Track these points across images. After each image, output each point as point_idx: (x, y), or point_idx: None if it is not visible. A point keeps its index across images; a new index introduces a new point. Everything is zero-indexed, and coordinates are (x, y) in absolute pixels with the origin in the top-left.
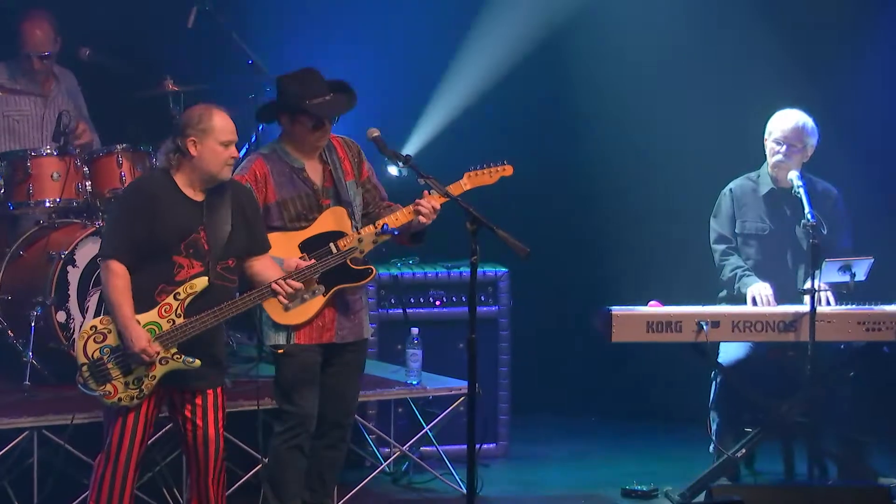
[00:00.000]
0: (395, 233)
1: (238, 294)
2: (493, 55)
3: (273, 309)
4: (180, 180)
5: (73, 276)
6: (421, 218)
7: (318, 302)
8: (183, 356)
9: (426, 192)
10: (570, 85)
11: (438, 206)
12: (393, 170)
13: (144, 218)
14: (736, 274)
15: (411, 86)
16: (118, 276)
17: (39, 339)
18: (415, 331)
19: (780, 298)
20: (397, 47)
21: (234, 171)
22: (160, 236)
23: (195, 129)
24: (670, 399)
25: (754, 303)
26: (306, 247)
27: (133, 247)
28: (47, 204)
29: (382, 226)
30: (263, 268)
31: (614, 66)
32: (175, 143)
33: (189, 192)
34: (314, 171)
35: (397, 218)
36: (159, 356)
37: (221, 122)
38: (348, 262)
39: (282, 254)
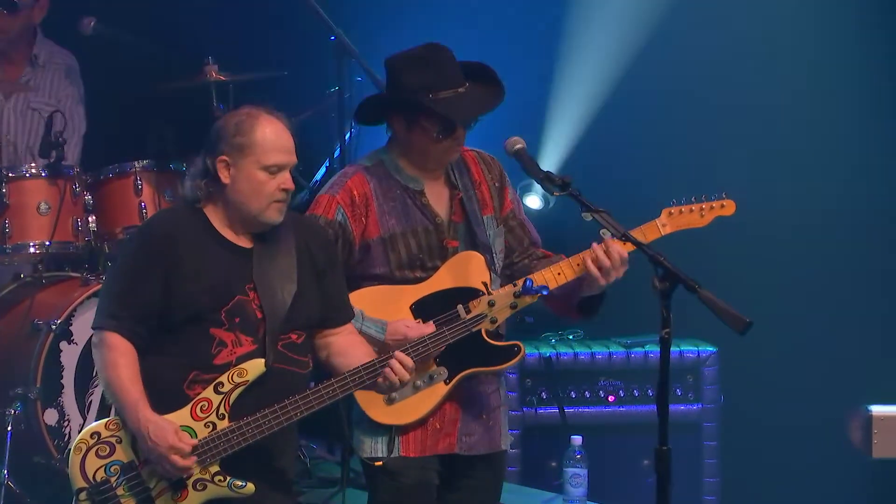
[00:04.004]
0: (545, 292)
1: (311, 384)
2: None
3: (369, 401)
4: (215, 218)
5: (69, 356)
6: (597, 274)
7: (436, 392)
8: (229, 478)
9: (604, 235)
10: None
11: (626, 255)
12: (535, 201)
13: (162, 272)
14: None
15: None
16: (117, 351)
17: (20, 450)
18: (577, 440)
19: None
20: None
21: (318, 191)
22: (189, 300)
23: (229, 143)
24: None
25: None
26: (422, 309)
27: (143, 314)
28: (32, 249)
29: (525, 282)
30: (347, 346)
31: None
32: (204, 163)
33: (230, 235)
34: (438, 197)
35: (559, 273)
36: (192, 477)
37: (268, 135)
38: (483, 334)
39: (386, 316)
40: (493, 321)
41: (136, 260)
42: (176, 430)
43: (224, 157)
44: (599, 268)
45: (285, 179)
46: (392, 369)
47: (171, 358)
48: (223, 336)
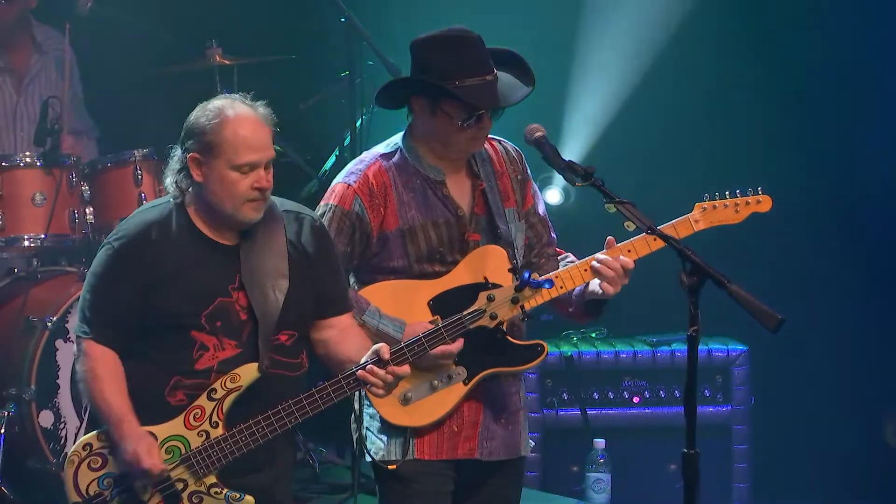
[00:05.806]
0: (547, 286)
1: (320, 383)
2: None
3: (382, 401)
4: (197, 215)
5: (66, 355)
6: (603, 285)
7: (454, 393)
8: (226, 490)
9: (611, 239)
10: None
11: (631, 267)
12: (554, 195)
13: (136, 278)
14: None
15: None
16: (96, 361)
17: (13, 454)
18: (600, 443)
19: None
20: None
21: (328, 181)
22: (167, 305)
23: (199, 141)
24: None
25: None
26: (441, 305)
27: (119, 321)
28: (26, 242)
29: (522, 274)
30: (341, 340)
31: None
32: (181, 158)
33: (213, 233)
34: (459, 188)
35: (569, 277)
36: (187, 489)
37: (239, 134)
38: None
39: (403, 313)
40: (493, 317)
41: (109, 266)
42: (149, 445)
43: (195, 155)
44: (606, 280)
45: (259, 178)
46: (369, 376)
47: (151, 363)
48: (205, 340)
